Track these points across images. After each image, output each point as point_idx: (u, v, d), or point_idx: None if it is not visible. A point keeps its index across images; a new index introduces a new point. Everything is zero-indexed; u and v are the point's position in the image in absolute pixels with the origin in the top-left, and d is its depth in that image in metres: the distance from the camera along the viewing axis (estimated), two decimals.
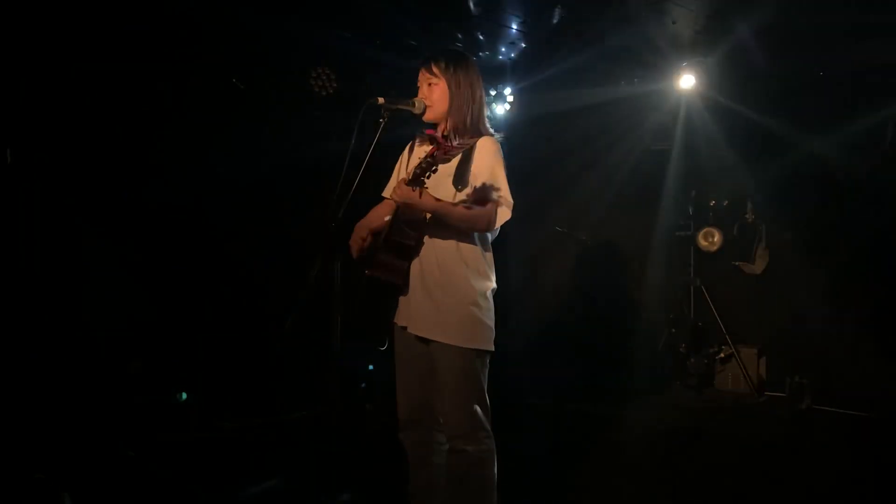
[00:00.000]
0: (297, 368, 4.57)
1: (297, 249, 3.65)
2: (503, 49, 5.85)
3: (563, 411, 5.16)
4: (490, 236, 2.55)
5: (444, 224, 2.43)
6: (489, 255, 2.55)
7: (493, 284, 2.54)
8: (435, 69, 2.50)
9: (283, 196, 4.98)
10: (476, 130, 2.51)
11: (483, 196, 2.42)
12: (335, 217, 2.30)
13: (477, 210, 2.40)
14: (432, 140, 2.24)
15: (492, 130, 2.56)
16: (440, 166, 2.27)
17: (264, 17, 4.54)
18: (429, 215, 2.45)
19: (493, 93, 6.24)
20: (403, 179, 2.33)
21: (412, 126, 2.64)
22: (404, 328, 2.52)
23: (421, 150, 2.55)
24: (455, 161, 2.40)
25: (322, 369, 2.38)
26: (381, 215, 2.64)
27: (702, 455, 4.21)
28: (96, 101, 4.26)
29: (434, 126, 2.55)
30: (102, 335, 4.27)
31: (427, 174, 2.24)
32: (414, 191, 2.29)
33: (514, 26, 5.29)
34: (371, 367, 4.81)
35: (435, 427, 2.57)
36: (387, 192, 2.70)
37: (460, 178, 2.42)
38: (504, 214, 2.46)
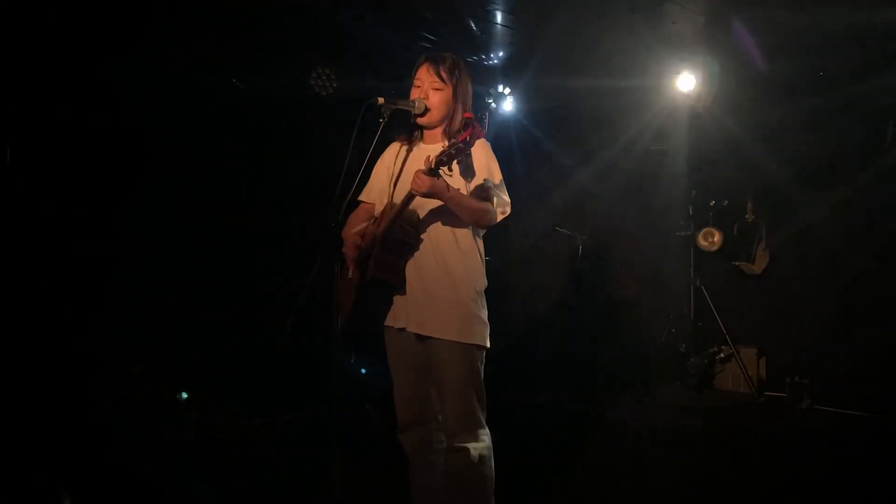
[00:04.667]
0: (297, 368, 4.57)
1: (297, 249, 3.65)
2: (503, 48, 5.85)
3: (562, 411, 5.16)
4: (482, 231, 2.56)
5: (442, 219, 2.43)
6: (483, 253, 2.56)
7: (486, 281, 2.55)
8: (443, 74, 2.49)
9: (283, 196, 4.98)
10: None
11: (483, 193, 2.43)
12: (335, 217, 2.30)
13: (485, 204, 2.42)
14: (466, 124, 2.19)
15: None
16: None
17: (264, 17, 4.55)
18: (424, 211, 2.45)
19: (491, 95, 6.25)
20: (422, 170, 2.29)
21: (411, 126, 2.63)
22: (401, 329, 2.51)
23: (423, 149, 2.53)
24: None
25: (322, 369, 2.38)
26: (360, 221, 2.62)
27: (702, 455, 4.21)
28: (96, 101, 4.26)
29: (429, 127, 2.54)
30: (103, 335, 4.27)
31: (457, 159, 2.20)
32: (437, 180, 2.28)
33: (513, 26, 5.29)
34: (364, 370, 4.80)
35: (434, 426, 2.58)
36: (364, 197, 2.67)
37: (468, 174, 2.43)
38: (503, 211, 2.48)
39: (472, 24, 5.26)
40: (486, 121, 2.49)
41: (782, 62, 5.18)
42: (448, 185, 2.32)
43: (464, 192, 2.43)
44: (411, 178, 2.32)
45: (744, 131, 5.63)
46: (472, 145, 2.19)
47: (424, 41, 5.13)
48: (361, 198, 2.67)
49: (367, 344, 2.58)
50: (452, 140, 2.20)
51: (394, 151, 2.64)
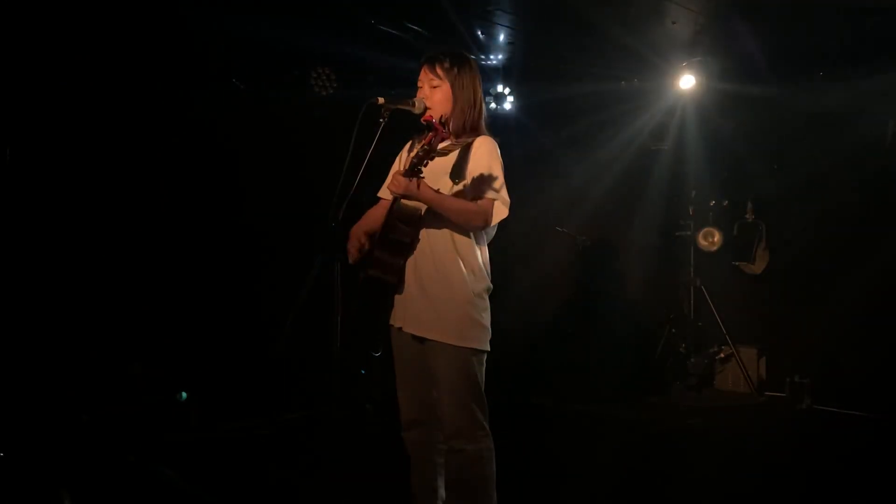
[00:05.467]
0: (297, 368, 4.56)
1: (297, 249, 3.65)
2: (503, 49, 5.85)
3: (562, 411, 5.16)
4: (486, 235, 2.55)
5: (440, 219, 2.42)
6: (485, 254, 2.54)
7: (489, 283, 2.54)
8: (439, 71, 2.49)
9: (283, 196, 4.98)
10: (475, 132, 2.51)
11: (480, 192, 2.42)
12: (335, 217, 2.30)
13: (474, 205, 2.41)
14: (429, 126, 2.22)
15: (486, 132, 2.56)
16: (438, 161, 2.28)
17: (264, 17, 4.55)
18: (423, 210, 2.44)
19: (492, 93, 6.25)
20: (399, 171, 2.32)
21: (412, 126, 2.63)
22: (400, 329, 2.51)
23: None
24: (452, 157, 2.41)
25: (322, 369, 2.38)
26: (375, 217, 2.63)
27: (702, 455, 4.21)
28: (96, 100, 4.26)
29: (432, 127, 2.54)
30: (103, 335, 4.27)
31: (425, 162, 2.23)
32: (411, 181, 2.29)
33: (514, 26, 5.29)
34: (363, 371, 4.80)
35: (436, 426, 2.57)
36: (382, 193, 2.70)
37: (457, 174, 2.42)
38: (501, 212, 2.45)
39: (473, 25, 5.27)
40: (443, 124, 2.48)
41: (782, 62, 5.19)
42: (421, 185, 2.31)
43: (464, 186, 2.42)
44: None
45: (744, 130, 5.63)
46: (437, 146, 2.21)
47: (424, 41, 5.13)
48: (380, 194, 2.68)
49: (369, 343, 2.57)
50: (422, 142, 2.23)
51: (408, 150, 2.66)
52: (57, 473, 3.26)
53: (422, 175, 2.28)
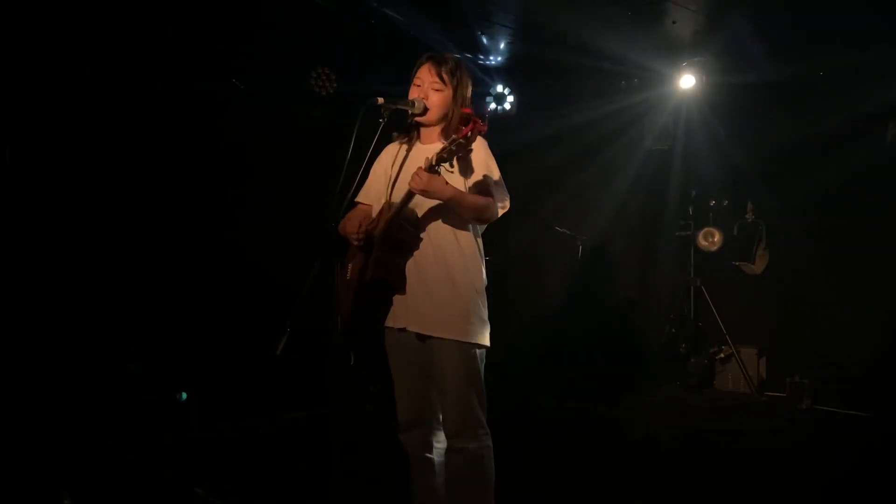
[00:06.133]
0: (297, 368, 4.56)
1: (297, 249, 3.65)
2: (503, 49, 5.85)
3: (562, 411, 5.16)
4: (480, 230, 2.56)
5: (442, 216, 2.43)
6: (483, 252, 2.57)
7: (486, 281, 2.55)
8: (444, 76, 2.49)
9: (283, 195, 4.98)
10: None
11: (483, 188, 2.43)
12: (335, 217, 2.30)
13: (485, 199, 2.42)
14: (467, 119, 2.18)
15: None
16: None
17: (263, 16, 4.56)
18: (423, 210, 2.45)
19: (492, 93, 6.26)
20: (421, 167, 2.30)
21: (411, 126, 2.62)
22: (402, 330, 2.51)
23: (421, 150, 2.53)
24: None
25: (322, 369, 2.38)
26: (356, 218, 2.59)
27: (702, 455, 4.21)
28: (96, 101, 4.26)
29: (426, 127, 2.54)
30: (102, 335, 4.27)
31: (458, 154, 2.20)
32: (436, 177, 2.27)
33: (514, 27, 5.30)
34: (363, 371, 4.79)
35: (435, 426, 2.57)
36: (361, 198, 2.65)
37: (465, 171, 2.43)
38: (504, 205, 2.50)
39: (475, 26, 5.27)
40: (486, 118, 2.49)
41: (782, 62, 5.18)
42: (446, 182, 2.32)
43: (462, 188, 2.43)
44: (410, 178, 2.33)
45: (744, 130, 5.63)
46: (474, 140, 2.19)
47: (423, 40, 5.13)
48: (359, 199, 2.66)
49: (367, 344, 2.57)
50: (453, 136, 2.20)
51: (392, 152, 2.64)
52: (57, 473, 3.26)
53: (451, 170, 2.27)
